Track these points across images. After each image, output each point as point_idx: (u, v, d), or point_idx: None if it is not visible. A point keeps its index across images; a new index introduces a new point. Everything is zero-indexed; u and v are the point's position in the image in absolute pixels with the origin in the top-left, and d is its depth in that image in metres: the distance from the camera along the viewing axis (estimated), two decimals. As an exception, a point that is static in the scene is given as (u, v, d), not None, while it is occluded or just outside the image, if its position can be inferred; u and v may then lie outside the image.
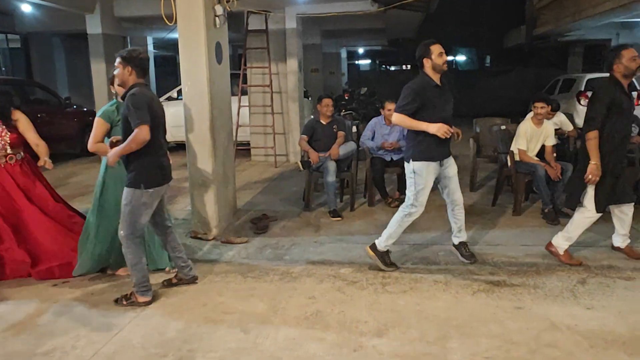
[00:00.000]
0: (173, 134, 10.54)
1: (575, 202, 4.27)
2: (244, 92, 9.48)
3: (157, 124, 3.55)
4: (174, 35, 13.36)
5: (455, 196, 4.24)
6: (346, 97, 15.31)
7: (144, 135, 3.32)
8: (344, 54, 19.91)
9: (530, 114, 5.78)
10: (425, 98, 3.95)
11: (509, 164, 5.80)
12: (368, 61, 30.94)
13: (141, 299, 3.66)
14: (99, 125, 3.97)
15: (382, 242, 4.24)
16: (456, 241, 4.42)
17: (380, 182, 6.18)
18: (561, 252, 4.31)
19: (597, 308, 3.52)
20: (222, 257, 4.64)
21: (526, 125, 5.71)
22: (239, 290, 3.93)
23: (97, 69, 9.52)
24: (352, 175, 6.12)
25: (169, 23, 5.14)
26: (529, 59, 23.21)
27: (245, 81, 9.38)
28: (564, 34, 17.03)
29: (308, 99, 11.52)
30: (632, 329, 3.23)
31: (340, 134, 6.00)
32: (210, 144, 5.00)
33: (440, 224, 5.29)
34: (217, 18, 5.05)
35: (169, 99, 10.79)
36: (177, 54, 19.86)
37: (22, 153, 4.31)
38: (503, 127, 6.36)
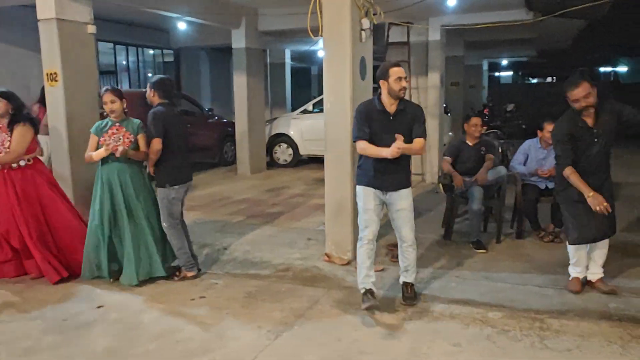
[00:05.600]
0: (307, 147, 10.70)
1: None
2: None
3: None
4: (311, 47, 13.67)
5: (403, 232, 3.85)
6: (486, 113, 14.36)
7: None
8: (485, 66, 18.83)
9: None
10: (367, 120, 3.76)
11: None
12: (509, 73, 29.11)
13: (189, 274, 4.46)
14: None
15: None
16: (401, 280, 4.04)
17: (532, 213, 5.51)
18: None
19: None
20: (356, 284, 4.35)
21: None
22: (376, 326, 3.62)
23: (239, 81, 9.86)
24: (499, 203, 5.52)
25: (313, 37, 5.03)
26: None
27: (382, 95, 9.10)
28: None
29: (447, 114, 10.95)
30: None
31: (489, 157, 5.44)
32: (349, 164, 4.77)
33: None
34: (363, 32, 4.83)
35: (304, 111, 10.91)
36: (312, 65, 20.41)
37: (24, 161, 4.51)
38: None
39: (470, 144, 5.54)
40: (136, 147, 4.33)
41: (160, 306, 3.99)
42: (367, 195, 3.82)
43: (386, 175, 3.76)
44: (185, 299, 4.13)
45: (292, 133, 10.82)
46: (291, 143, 10.86)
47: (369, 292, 3.79)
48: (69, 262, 4.54)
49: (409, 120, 3.77)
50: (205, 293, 4.23)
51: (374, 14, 4.95)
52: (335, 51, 4.69)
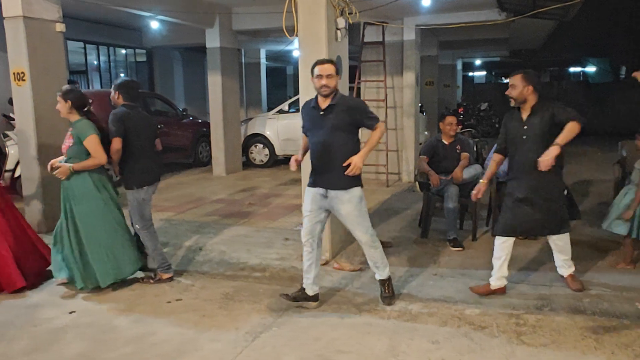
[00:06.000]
0: (283, 147, 10.66)
1: None
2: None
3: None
4: (287, 47, 13.62)
5: (356, 235, 3.84)
6: (460, 112, 14.52)
7: None
8: (459, 66, 19.04)
9: None
10: (304, 115, 3.87)
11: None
12: (483, 73, 29.52)
13: (165, 276, 4.39)
14: None
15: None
16: (376, 278, 4.02)
17: (507, 210, 5.57)
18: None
19: None
20: (334, 284, 4.35)
21: None
22: (354, 325, 3.62)
23: (214, 81, 9.74)
24: (475, 200, 5.57)
25: (289, 37, 5.00)
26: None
27: (358, 95, 9.12)
28: None
29: (423, 114, 11.02)
30: None
31: (464, 155, 5.49)
32: (326, 163, 4.74)
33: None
34: (338, 31, 4.82)
35: (280, 111, 10.87)
36: (287, 65, 20.34)
37: None
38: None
39: (445, 142, 5.59)
40: (79, 151, 4.10)
41: (135, 309, 3.91)
42: (307, 196, 3.83)
43: (322, 172, 3.72)
44: (161, 301, 4.05)
45: (268, 133, 10.77)
46: (267, 143, 10.80)
47: (301, 289, 3.92)
48: (25, 271, 4.29)
49: (343, 114, 3.63)
50: (182, 295, 4.16)
51: (349, 13, 4.94)
52: (311, 51, 4.66)
